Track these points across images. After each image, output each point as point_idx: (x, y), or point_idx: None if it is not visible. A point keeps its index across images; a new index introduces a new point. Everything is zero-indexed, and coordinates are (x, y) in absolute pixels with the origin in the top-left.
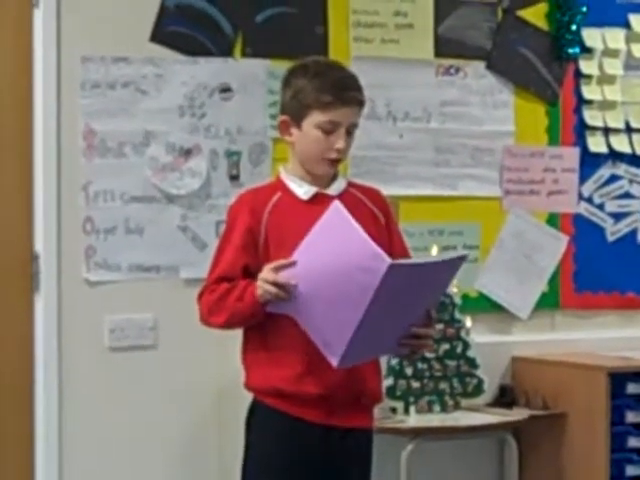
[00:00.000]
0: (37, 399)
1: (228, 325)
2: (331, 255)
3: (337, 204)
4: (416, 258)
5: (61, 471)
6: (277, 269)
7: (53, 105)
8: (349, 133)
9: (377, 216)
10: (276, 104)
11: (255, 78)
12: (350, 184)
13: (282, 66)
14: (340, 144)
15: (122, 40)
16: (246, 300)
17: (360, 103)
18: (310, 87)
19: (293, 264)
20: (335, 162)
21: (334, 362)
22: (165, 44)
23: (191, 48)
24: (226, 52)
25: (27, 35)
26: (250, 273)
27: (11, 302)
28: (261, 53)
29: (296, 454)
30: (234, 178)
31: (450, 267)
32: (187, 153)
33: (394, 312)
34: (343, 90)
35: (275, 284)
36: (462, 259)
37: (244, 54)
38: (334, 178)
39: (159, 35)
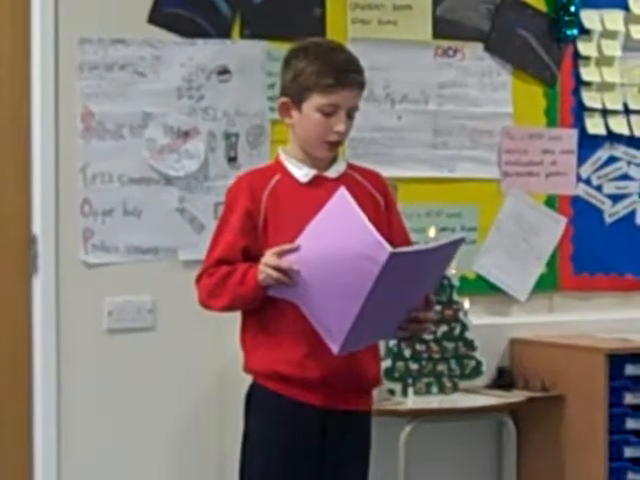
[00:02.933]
0: (35, 381)
1: (228, 308)
2: (334, 241)
3: (343, 190)
4: (414, 241)
5: (60, 453)
6: (280, 254)
7: (51, 87)
8: (349, 116)
9: (377, 199)
10: (274, 86)
11: (253, 60)
12: (350, 166)
13: (280, 48)
14: (340, 127)
15: (120, 22)
16: (247, 284)
17: (361, 86)
18: (311, 69)
19: (296, 249)
20: (335, 145)
21: (335, 349)
22: (163, 26)
23: (189, 30)
24: (224, 34)
25: (25, 17)
26: (249, 255)
27: (9, 284)
28: (259, 34)
29: (295, 437)
30: (232, 160)
31: (448, 251)
32: (185, 135)
33: (394, 298)
34: (344, 73)
35: (278, 269)
36: (459, 242)
37: (242, 36)
38: (334, 160)
39: (157, 17)
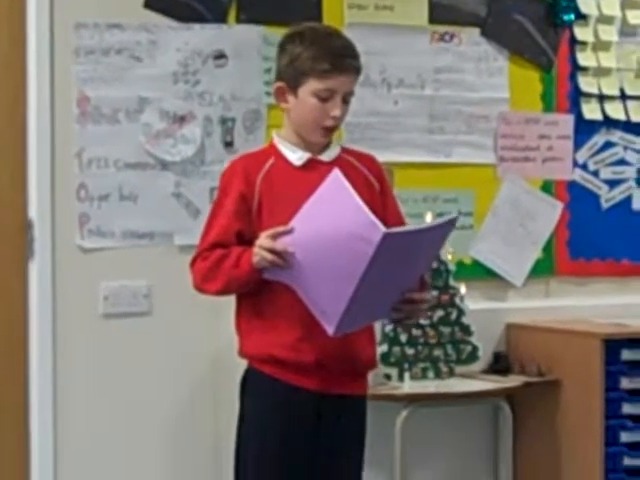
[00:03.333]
0: (31, 366)
1: (223, 292)
2: (328, 223)
3: (336, 172)
4: (410, 225)
5: (56, 437)
6: (274, 236)
7: (46, 72)
8: (345, 101)
9: (371, 182)
10: (270, 70)
11: (249, 44)
12: (344, 150)
13: (276, 32)
14: (336, 112)
15: (116, 6)
16: (242, 267)
17: (357, 71)
18: (307, 54)
19: (291, 231)
20: (330, 130)
21: (330, 330)
22: (159, 10)
23: (185, 14)
24: (220, 18)
25: (20, 2)
26: (243, 239)
27: (5, 269)
28: (255, 19)
29: (290, 421)
30: (228, 145)
31: (442, 231)
32: (181, 120)
33: (389, 279)
34: (340, 58)
35: (272, 251)
36: (453, 222)
37: (238, 20)
38: (328, 144)
39: (153, 1)
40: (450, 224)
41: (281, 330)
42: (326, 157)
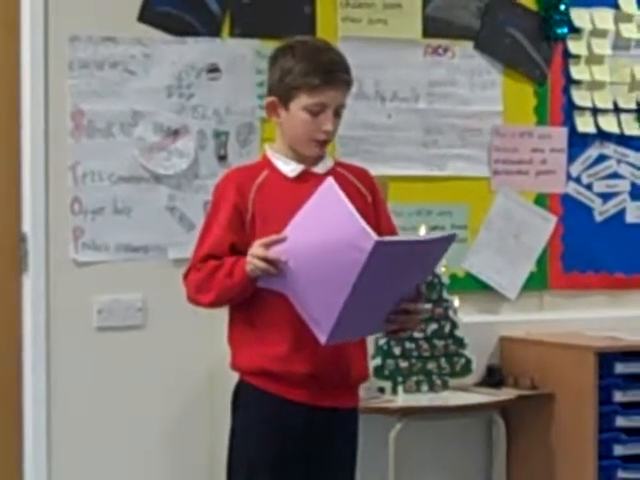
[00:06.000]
0: (25, 380)
1: (217, 302)
2: (321, 231)
3: (330, 180)
4: (403, 236)
5: (50, 452)
6: (268, 245)
7: (40, 85)
8: (337, 114)
9: (364, 195)
10: (264, 84)
11: (243, 58)
12: (337, 163)
13: (270, 46)
14: (328, 126)
15: (110, 20)
16: (235, 276)
17: (348, 84)
18: (297, 69)
19: (284, 239)
20: (323, 143)
21: (322, 339)
22: (153, 24)
23: (179, 28)
24: (214, 32)
25: (14, 14)
26: (237, 251)
27: None
28: (249, 33)
29: (281, 434)
30: (222, 158)
31: (438, 246)
32: (175, 133)
33: (382, 289)
34: (331, 72)
35: (265, 260)
36: (450, 239)
37: (232, 34)
38: (321, 157)
39: (147, 15)
40: (447, 241)
41: (272, 342)
42: (319, 169)
